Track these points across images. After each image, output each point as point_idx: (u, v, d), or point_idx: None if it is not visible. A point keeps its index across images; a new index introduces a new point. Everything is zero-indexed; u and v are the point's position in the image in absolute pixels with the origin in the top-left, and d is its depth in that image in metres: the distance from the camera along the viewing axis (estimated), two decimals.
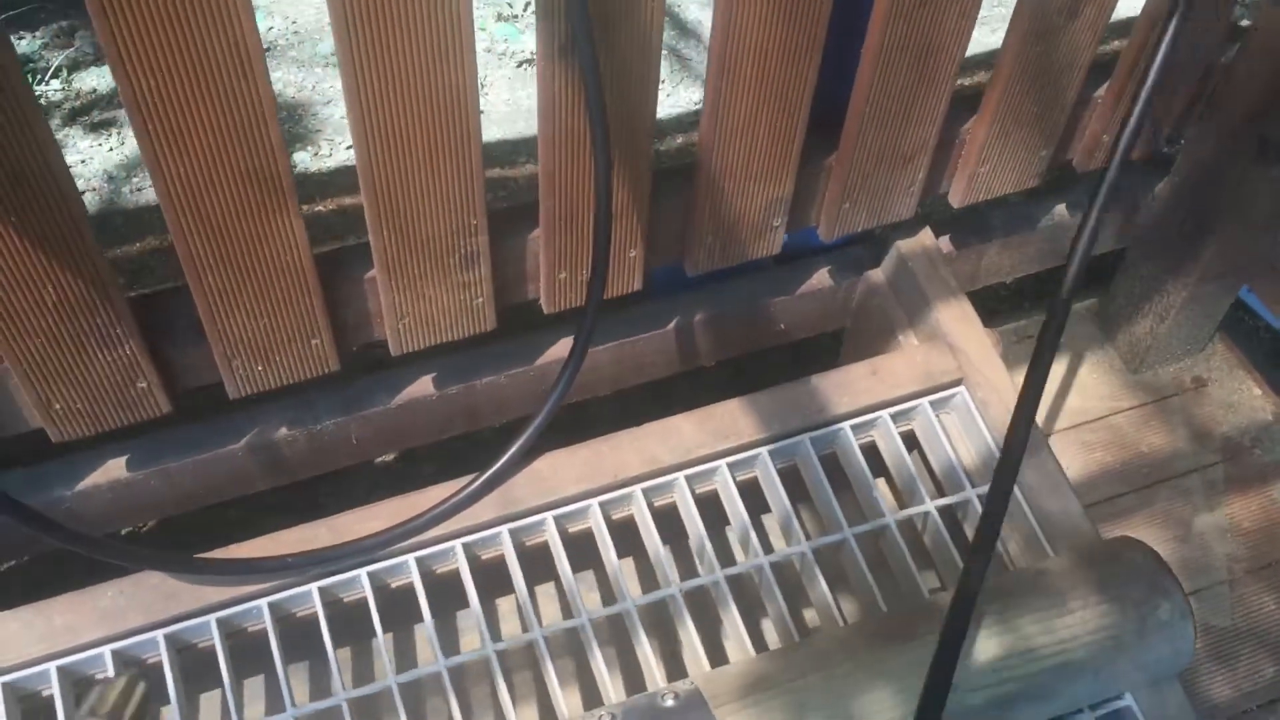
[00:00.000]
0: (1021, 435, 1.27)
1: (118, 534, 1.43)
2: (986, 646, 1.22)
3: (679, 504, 1.40)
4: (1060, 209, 1.67)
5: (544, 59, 1.09)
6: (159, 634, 1.25)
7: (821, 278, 1.58)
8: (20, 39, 2.45)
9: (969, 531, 1.43)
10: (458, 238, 1.22)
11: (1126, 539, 1.35)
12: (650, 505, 1.39)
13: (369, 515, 1.31)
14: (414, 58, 1.03)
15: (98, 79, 2.40)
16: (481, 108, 1.43)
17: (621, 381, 1.56)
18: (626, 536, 1.39)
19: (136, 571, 1.25)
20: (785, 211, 1.39)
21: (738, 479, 1.40)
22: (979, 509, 1.41)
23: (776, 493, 1.40)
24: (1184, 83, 1.51)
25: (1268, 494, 1.75)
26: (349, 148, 2.30)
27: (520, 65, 2.49)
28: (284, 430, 1.40)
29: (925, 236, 1.56)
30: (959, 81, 1.35)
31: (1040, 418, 1.46)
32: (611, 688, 1.29)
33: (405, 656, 1.51)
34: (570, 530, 1.38)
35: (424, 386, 1.44)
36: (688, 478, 1.39)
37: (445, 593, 1.35)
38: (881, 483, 1.45)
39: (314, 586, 1.29)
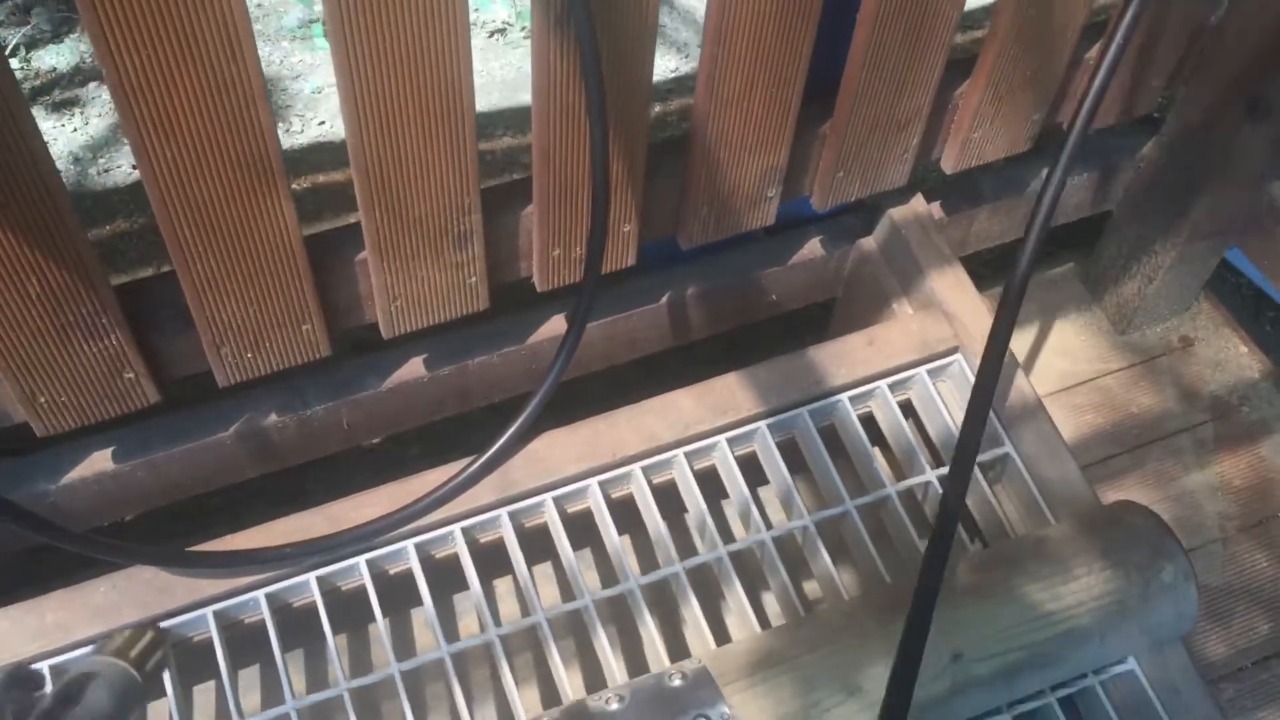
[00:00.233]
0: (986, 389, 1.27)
1: (108, 530, 1.39)
2: (993, 616, 1.21)
3: (678, 481, 1.39)
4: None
5: (539, 31, 1.06)
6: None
7: (813, 247, 1.57)
8: None
9: (970, 501, 1.43)
10: (451, 216, 1.19)
11: (1127, 503, 1.35)
12: (650, 483, 1.37)
13: (365, 502, 1.29)
14: (405, 25, 1.00)
15: (57, 56, 2.33)
16: None
17: (614, 357, 1.54)
18: (626, 515, 1.37)
19: (128, 566, 1.23)
20: (780, 181, 1.37)
21: (737, 454, 1.39)
22: (981, 477, 1.41)
23: (776, 466, 1.39)
24: (1172, 43, 1.50)
25: (1256, 451, 1.76)
26: (320, 124, 2.25)
27: (492, 35, 2.44)
28: (273, 417, 1.37)
29: (918, 203, 1.54)
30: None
31: (1030, 381, 1.46)
32: (616, 668, 1.28)
33: (403, 642, 1.49)
34: (570, 511, 1.36)
35: (415, 368, 1.42)
36: (687, 454, 1.37)
37: (444, 577, 1.34)
38: (878, 453, 1.45)
39: (311, 576, 1.27)
